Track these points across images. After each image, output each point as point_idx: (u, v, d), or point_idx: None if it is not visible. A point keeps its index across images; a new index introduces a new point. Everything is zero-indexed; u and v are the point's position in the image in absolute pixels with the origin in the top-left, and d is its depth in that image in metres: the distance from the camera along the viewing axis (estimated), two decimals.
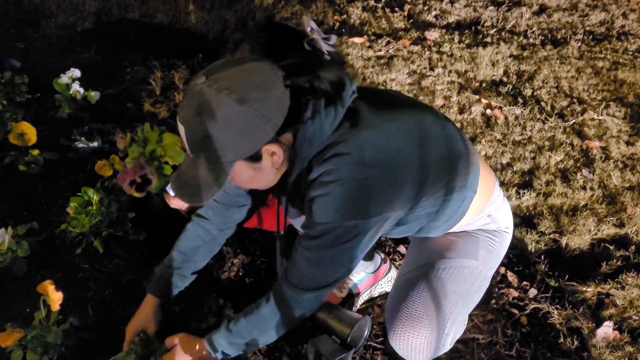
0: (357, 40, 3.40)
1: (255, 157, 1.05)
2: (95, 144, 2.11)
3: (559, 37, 3.71)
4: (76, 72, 2.34)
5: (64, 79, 2.31)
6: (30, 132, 2.00)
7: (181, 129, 1.03)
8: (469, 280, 1.32)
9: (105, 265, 1.74)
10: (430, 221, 1.28)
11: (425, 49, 3.40)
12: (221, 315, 1.57)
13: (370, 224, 1.10)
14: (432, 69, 3.18)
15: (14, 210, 1.92)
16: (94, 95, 2.37)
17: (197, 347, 1.32)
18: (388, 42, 3.43)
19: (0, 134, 2.10)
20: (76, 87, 2.33)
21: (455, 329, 1.32)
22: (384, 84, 3.01)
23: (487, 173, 1.34)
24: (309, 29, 1.36)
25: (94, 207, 1.75)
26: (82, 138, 2.09)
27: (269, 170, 1.10)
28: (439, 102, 2.87)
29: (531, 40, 3.63)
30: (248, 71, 1.01)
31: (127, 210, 1.81)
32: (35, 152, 2.03)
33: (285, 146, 1.07)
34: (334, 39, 1.38)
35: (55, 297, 1.38)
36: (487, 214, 1.36)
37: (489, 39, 3.58)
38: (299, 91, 1.05)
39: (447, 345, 1.33)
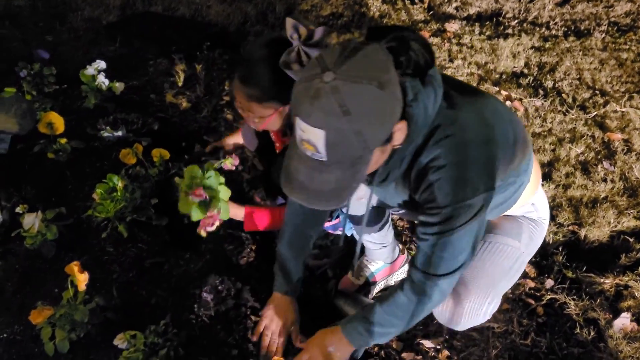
0: None
1: (388, 139, 1.03)
2: (119, 133, 2.17)
3: (582, 28, 3.65)
4: (101, 64, 2.40)
5: (90, 70, 2.38)
6: (58, 121, 2.07)
7: (316, 134, 0.94)
8: (510, 258, 1.39)
9: (129, 249, 1.80)
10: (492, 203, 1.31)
11: (445, 41, 3.39)
12: (239, 299, 1.62)
13: (487, 198, 1.13)
14: (451, 60, 3.17)
15: (43, 196, 1.99)
16: (119, 86, 2.44)
17: (330, 336, 1.34)
18: None
19: (30, 123, 2.18)
20: (101, 79, 2.39)
21: (495, 301, 1.37)
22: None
23: (536, 162, 1.39)
24: (290, 34, 1.34)
25: (119, 194, 1.81)
26: (107, 127, 2.16)
27: (389, 149, 1.08)
28: None
29: (553, 32, 3.58)
30: (368, 56, 0.96)
31: (150, 196, 1.86)
32: (63, 140, 2.10)
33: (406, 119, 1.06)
34: (319, 32, 1.35)
35: (81, 278, 1.45)
36: (531, 202, 1.42)
37: (510, 31, 3.55)
38: (401, 69, 1.03)
39: (488, 314, 1.38)
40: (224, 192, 1.63)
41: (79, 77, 2.43)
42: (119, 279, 1.71)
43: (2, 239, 1.79)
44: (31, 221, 1.68)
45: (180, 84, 2.77)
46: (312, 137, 0.95)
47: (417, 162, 1.12)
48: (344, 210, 1.72)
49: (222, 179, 1.62)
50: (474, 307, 1.33)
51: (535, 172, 1.38)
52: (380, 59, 0.97)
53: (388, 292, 1.29)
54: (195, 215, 1.56)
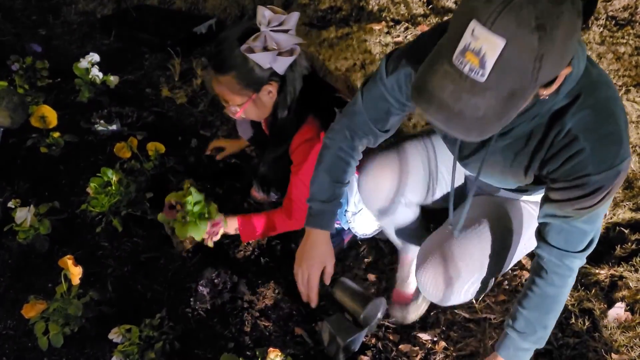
0: (376, 26, 3.39)
1: (551, 82, 0.89)
2: (114, 126, 2.16)
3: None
4: (95, 57, 2.39)
5: (83, 63, 2.36)
6: (51, 115, 2.05)
7: (494, 42, 0.78)
8: (503, 241, 1.38)
9: (124, 244, 1.79)
10: None
11: None
12: (235, 292, 1.61)
13: (626, 165, 1.04)
14: None
15: (36, 190, 1.98)
16: (113, 79, 2.42)
17: None
18: (407, 28, 3.42)
19: (22, 116, 2.16)
20: (95, 72, 2.38)
21: (479, 282, 1.36)
22: None
23: None
24: (259, 20, 1.37)
25: (113, 187, 1.80)
26: (102, 121, 2.14)
27: (530, 97, 0.90)
28: None
29: None
30: None
31: (145, 190, 1.85)
32: (56, 134, 2.09)
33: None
34: (292, 19, 1.39)
35: (75, 271, 1.44)
36: None
37: None
38: None
39: (470, 294, 1.38)
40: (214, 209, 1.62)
41: (72, 71, 2.41)
42: (113, 274, 1.70)
43: None
44: (23, 215, 1.67)
45: (176, 79, 2.75)
46: (485, 46, 0.79)
47: (559, 123, 1.01)
48: (352, 229, 1.71)
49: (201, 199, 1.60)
50: (463, 286, 1.33)
51: None
52: None
53: (521, 295, 1.23)
54: (198, 234, 1.56)
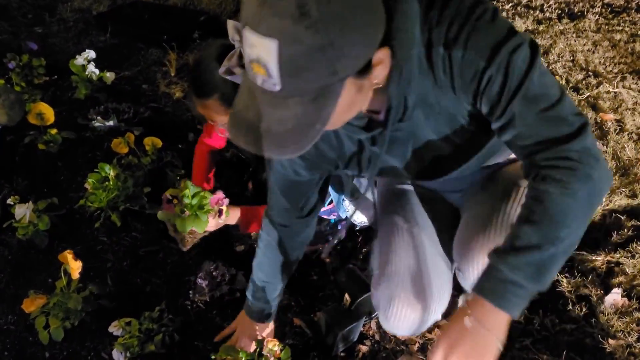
0: None
1: (365, 69, 0.76)
2: (111, 122, 2.17)
3: (576, 10, 3.63)
4: (91, 54, 2.39)
5: (80, 60, 2.37)
6: (48, 112, 2.06)
7: (267, 47, 0.69)
8: None
9: (122, 238, 1.81)
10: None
11: None
12: (234, 284, 1.62)
13: (524, 35, 0.84)
14: None
15: (35, 187, 1.99)
16: (109, 76, 2.43)
17: (460, 320, 0.88)
18: None
19: (19, 114, 2.17)
20: (91, 68, 2.38)
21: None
22: None
23: None
24: (232, 36, 1.29)
25: (111, 183, 1.81)
26: (99, 117, 2.15)
27: (368, 89, 0.82)
28: None
29: (547, 14, 3.57)
30: None
31: (142, 185, 1.86)
32: (54, 131, 2.10)
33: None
34: None
35: (74, 266, 1.45)
36: None
37: (504, 14, 3.53)
38: None
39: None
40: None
41: (69, 68, 2.42)
42: (113, 268, 1.71)
43: None
44: (22, 212, 1.68)
45: (173, 74, 2.75)
46: (262, 52, 0.69)
47: (434, 51, 0.84)
48: (343, 215, 1.66)
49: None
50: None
51: None
52: None
53: (522, 207, 0.89)
54: (200, 227, 1.56)
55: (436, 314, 1.20)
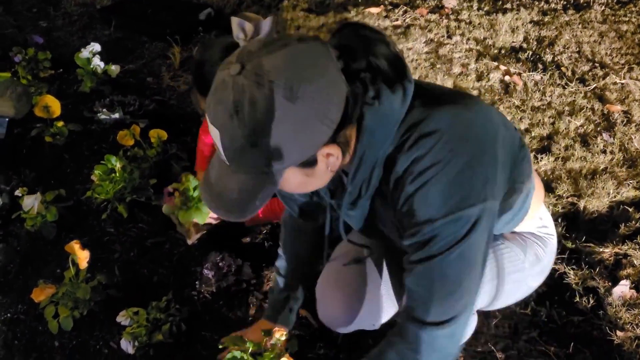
0: (374, 10, 3.37)
1: (309, 162, 0.83)
2: (116, 115, 2.17)
3: (581, 1, 3.60)
4: (96, 47, 2.40)
5: (85, 53, 2.37)
6: (54, 104, 2.07)
7: (215, 133, 0.79)
8: (508, 267, 1.17)
9: (129, 229, 1.81)
10: (500, 219, 1.07)
11: (443, 17, 3.35)
12: (240, 274, 1.63)
13: (484, 210, 0.86)
14: (449, 37, 3.14)
15: (42, 179, 2.00)
16: (114, 69, 2.43)
17: None
18: (405, 12, 3.40)
19: (26, 107, 2.18)
20: (97, 62, 2.38)
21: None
22: (401, 53, 2.99)
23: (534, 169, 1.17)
24: (237, 34, 1.24)
25: (117, 174, 1.82)
26: (104, 110, 2.15)
27: (322, 173, 0.88)
28: (456, 70, 2.84)
29: (552, 5, 3.54)
30: (294, 55, 0.77)
31: (148, 177, 1.87)
32: (60, 123, 2.10)
33: (343, 144, 0.86)
34: (266, 26, 1.23)
35: (82, 255, 1.46)
36: (539, 215, 1.21)
37: (508, 5, 3.51)
38: (354, 75, 0.83)
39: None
40: None
41: (74, 62, 2.42)
42: (120, 259, 1.72)
43: (2, 222, 1.80)
44: (31, 203, 1.69)
45: (177, 67, 2.76)
46: (213, 134, 0.80)
47: (393, 172, 0.89)
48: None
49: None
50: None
51: (537, 180, 1.16)
52: (311, 61, 0.78)
53: (379, 346, 1.00)
54: (202, 218, 1.58)
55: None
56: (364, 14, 3.34)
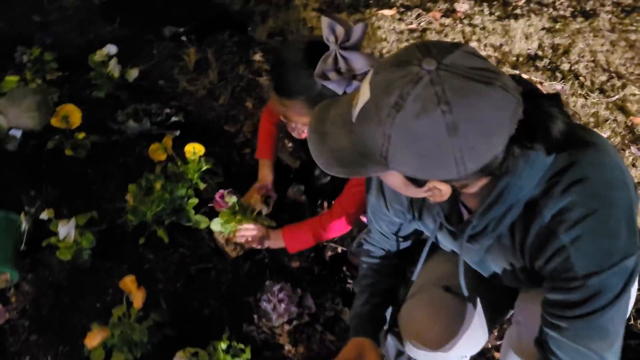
0: (387, 12, 3.28)
1: (415, 180, 0.82)
2: (146, 125, 2.00)
3: (587, 8, 3.62)
4: (112, 49, 2.21)
5: (100, 56, 2.18)
6: (74, 114, 1.90)
7: (365, 91, 0.78)
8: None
9: (170, 255, 1.68)
10: None
11: (457, 22, 3.30)
12: (301, 306, 1.52)
13: (639, 258, 0.86)
14: (466, 42, 3.09)
15: (65, 197, 1.82)
16: (133, 72, 2.25)
17: None
18: (419, 15, 3.32)
19: (47, 117, 1.97)
20: (113, 65, 2.20)
21: None
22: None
23: None
24: (327, 35, 1.19)
25: (155, 195, 1.67)
26: (131, 120, 1.98)
27: (421, 193, 0.86)
28: None
29: (561, 12, 3.54)
30: (487, 99, 0.73)
31: (188, 197, 1.73)
32: (81, 135, 1.92)
33: (458, 186, 0.84)
34: (358, 31, 1.19)
35: (138, 295, 1.33)
36: None
37: (518, 11, 3.49)
38: (519, 145, 0.78)
39: None
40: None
41: (80, 61, 2.23)
42: (165, 289, 1.59)
43: (29, 248, 1.62)
44: (66, 230, 1.52)
45: (191, 69, 2.59)
46: (362, 90, 0.79)
47: (537, 218, 0.85)
48: None
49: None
50: None
51: None
52: (492, 115, 0.73)
53: None
54: (226, 228, 1.57)
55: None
56: (377, 16, 3.25)
